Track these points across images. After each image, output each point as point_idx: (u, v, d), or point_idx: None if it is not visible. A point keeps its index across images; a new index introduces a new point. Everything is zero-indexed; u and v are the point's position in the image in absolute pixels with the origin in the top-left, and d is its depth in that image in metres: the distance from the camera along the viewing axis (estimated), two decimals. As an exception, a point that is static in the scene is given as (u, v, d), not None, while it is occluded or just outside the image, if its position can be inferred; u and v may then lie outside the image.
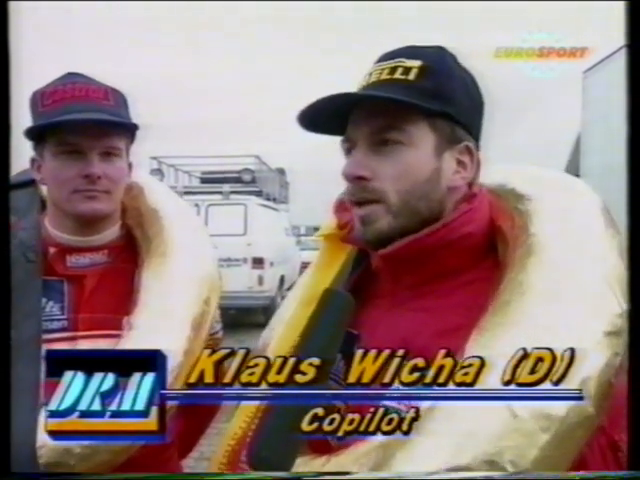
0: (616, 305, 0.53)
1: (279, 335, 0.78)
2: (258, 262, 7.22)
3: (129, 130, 0.94)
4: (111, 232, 0.97)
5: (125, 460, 0.80)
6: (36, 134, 0.89)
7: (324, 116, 0.65)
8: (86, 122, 0.86)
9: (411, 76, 0.62)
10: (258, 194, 8.21)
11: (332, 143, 0.69)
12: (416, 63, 0.63)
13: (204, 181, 9.12)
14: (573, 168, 5.48)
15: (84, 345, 0.89)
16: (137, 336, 0.85)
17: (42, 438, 0.70)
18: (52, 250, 0.93)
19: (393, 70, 0.63)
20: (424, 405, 0.52)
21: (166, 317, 0.87)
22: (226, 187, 7.66)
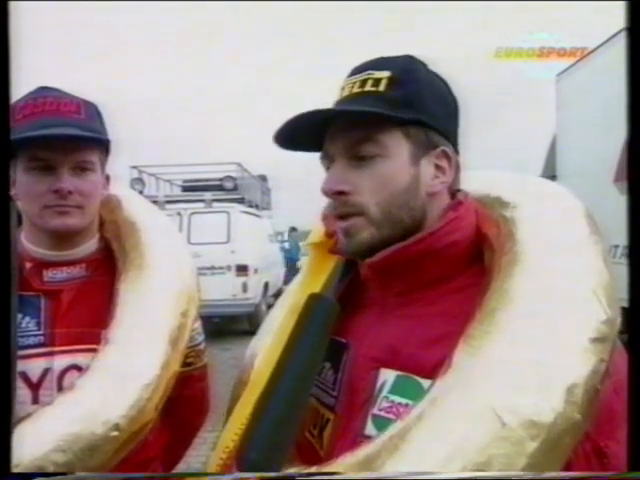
0: (601, 312, 0.53)
1: (267, 345, 0.77)
2: (242, 269, 7.19)
3: (102, 143, 0.93)
4: (88, 246, 0.95)
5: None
6: None
7: (300, 134, 0.65)
8: (54, 137, 0.85)
9: (381, 87, 0.62)
10: (240, 201, 8.18)
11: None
12: (385, 74, 0.63)
13: (186, 189, 9.05)
14: (550, 169, 5.57)
15: (61, 360, 0.87)
16: (113, 350, 0.84)
17: (18, 456, 0.69)
18: (28, 265, 0.91)
19: (364, 83, 0.63)
20: (413, 415, 0.52)
21: (143, 331, 0.86)
22: (208, 195, 7.62)
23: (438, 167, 0.65)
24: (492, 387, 0.50)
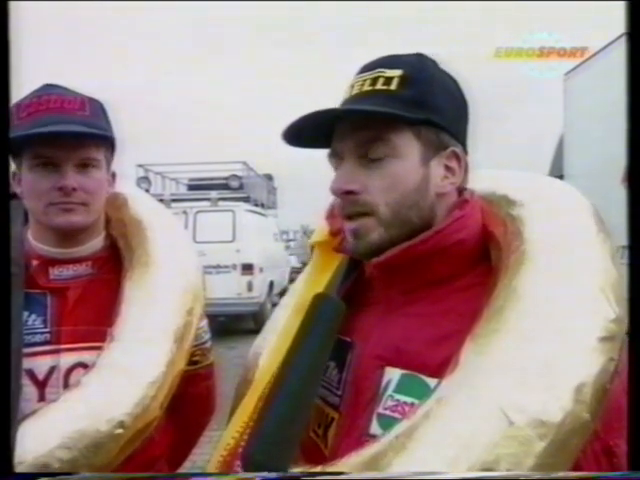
0: (610, 310, 0.52)
1: (271, 344, 0.77)
2: (247, 268, 7.21)
3: (107, 140, 0.93)
4: (94, 243, 0.96)
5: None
6: (13, 147, 0.88)
7: (308, 132, 0.64)
8: (57, 135, 0.85)
9: (393, 86, 0.62)
10: (246, 200, 8.20)
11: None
12: (397, 72, 0.62)
13: (191, 188, 9.09)
14: (557, 169, 5.54)
15: (67, 358, 0.87)
16: (119, 348, 0.84)
17: (23, 453, 0.69)
18: (35, 263, 0.91)
19: (374, 81, 0.63)
20: (419, 414, 0.51)
21: (148, 328, 0.86)
22: (214, 194, 7.64)
23: (448, 168, 0.64)
24: (500, 386, 0.49)
